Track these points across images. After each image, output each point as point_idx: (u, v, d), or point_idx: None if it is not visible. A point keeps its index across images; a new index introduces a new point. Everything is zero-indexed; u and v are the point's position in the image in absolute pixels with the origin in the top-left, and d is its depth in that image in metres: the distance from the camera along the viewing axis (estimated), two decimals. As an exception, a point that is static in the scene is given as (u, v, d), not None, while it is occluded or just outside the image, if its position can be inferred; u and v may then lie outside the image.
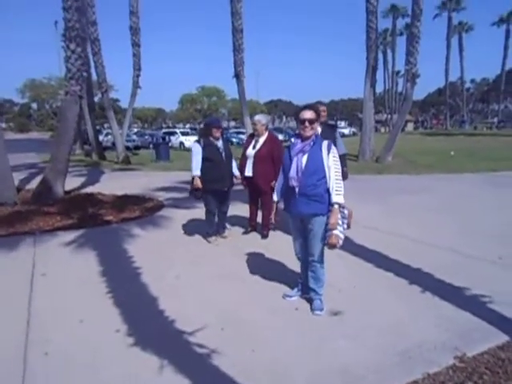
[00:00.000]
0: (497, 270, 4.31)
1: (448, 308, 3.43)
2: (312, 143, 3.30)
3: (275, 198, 3.65)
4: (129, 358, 2.80)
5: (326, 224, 3.24)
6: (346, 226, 3.28)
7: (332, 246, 3.25)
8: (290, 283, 3.93)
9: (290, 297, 3.69)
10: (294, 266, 4.14)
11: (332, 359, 2.76)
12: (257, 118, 5.37)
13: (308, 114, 3.27)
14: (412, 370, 2.59)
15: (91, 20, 16.60)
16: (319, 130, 4.85)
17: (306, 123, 3.26)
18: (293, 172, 3.29)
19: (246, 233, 5.83)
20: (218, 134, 5.24)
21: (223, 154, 5.25)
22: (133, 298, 3.74)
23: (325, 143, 3.30)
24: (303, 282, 3.67)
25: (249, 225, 5.87)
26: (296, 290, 3.74)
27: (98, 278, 4.23)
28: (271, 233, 5.68)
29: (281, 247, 5.04)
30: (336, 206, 3.21)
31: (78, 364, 2.74)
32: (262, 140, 5.31)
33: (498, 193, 8.73)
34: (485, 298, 3.57)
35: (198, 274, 4.37)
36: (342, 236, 3.24)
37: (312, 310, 3.46)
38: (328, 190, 3.26)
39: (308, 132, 3.28)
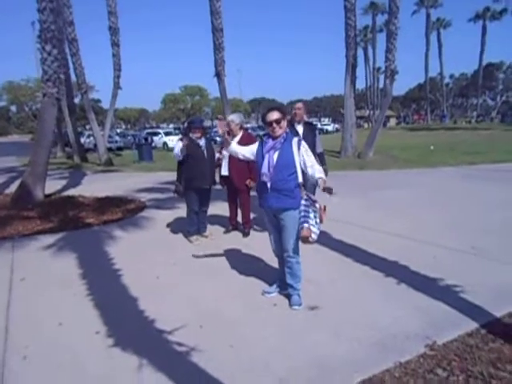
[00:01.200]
0: (472, 261, 4.44)
1: (422, 299, 3.54)
2: (282, 140, 3.39)
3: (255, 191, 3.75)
4: (108, 359, 2.82)
5: (299, 218, 3.31)
6: (318, 221, 3.34)
7: (305, 239, 3.29)
8: (269, 280, 3.99)
9: (269, 293, 3.75)
10: (274, 262, 4.20)
11: (309, 353, 2.82)
12: (230, 117, 5.43)
13: (274, 116, 3.37)
14: (385, 360, 2.67)
15: (68, 20, 16.36)
16: (300, 129, 4.94)
17: (274, 124, 3.36)
18: (264, 168, 3.38)
19: (227, 232, 5.88)
20: (197, 133, 5.28)
21: (205, 152, 5.29)
22: (113, 300, 3.75)
23: (295, 140, 3.40)
24: (281, 278, 3.73)
25: (229, 224, 5.91)
26: (275, 286, 3.80)
27: (77, 280, 4.23)
28: (252, 231, 5.74)
29: (261, 245, 5.10)
30: (324, 178, 3.27)
31: (57, 366, 2.76)
32: (236, 139, 5.34)
33: (476, 186, 8.95)
34: (457, 288, 3.69)
35: (178, 273, 4.40)
36: (315, 230, 3.29)
37: (290, 305, 3.53)
38: (299, 185, 3.35)
39: (277, 132, 3.38)
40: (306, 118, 5.13)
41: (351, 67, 15.43)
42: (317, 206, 3.35)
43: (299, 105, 4.97)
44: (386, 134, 29.72)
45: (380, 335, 2.99)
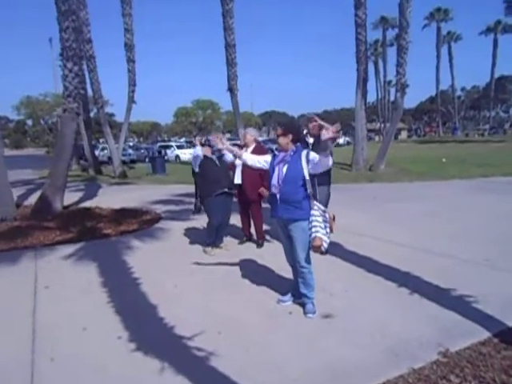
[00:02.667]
0: (483, 271, 4.50)
1: (434, 308, 3.61)
2: (292, 153, 3.55)
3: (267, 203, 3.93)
4: (131, 362, 2.95)
5: (309, 229, 3.43)
6: (328, 230, 3.45)
7: (316, 249, 3.40)
8: (283, 289, 4.09)
9: (284, 302, 3.85)
10: (288, 272, 4.31)
11: (323, 358, 2.91)
12: (247, 129, 5.85)
13: (278, 131, 3.63)
14: (398, 366, 2.75)
15: (86, 38, 16.93)
16: (311, 141, 5.09)
17: (279, 138, 3.62)
18: (274, 180, 3.56)
19: (241, 243, 6.00)
20: (207, 152, 5.56)
21: (217, 162, 5.48)
22: (133, 306, 3.89)
23: (304, 152, 3.53)
24: (295, 287, 3.84)
25: (244, 234, 6.04)
26: (289, 295, 3.90)
27: (99, 288, 4.39)
28: (266, 241, 5.86)
29: (275, 255, 5.20)
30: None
31: (83, 368, 2.90)
32: (250, 150, 5.54)
33: (487, 199, 8.95)
34: (470, 298, 3.75)
35: (195, 282, 4.53)
36: (326, 239, 3.40)
37: (305, 313, 3.62)
38: (308, 197, 3.47)
39: (283, 146, 3.59)
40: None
41: (362, 81, 15.61)
42: (327, 215, 3.47)
43: (315, 118, 5.11)
44: (397, 146, 29.71)
45: (393, 342, 3.06)
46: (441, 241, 5.69)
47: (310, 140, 5.10)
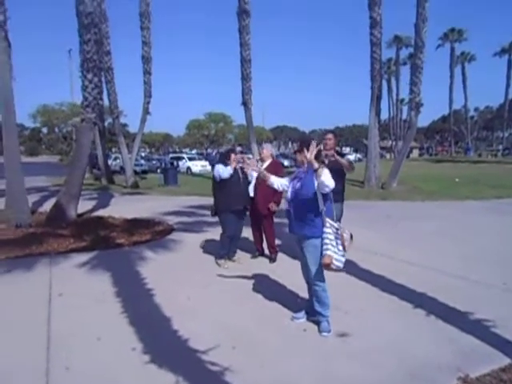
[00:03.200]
0: (501, 295, 4.42)
1: (452, 331, 3.54)
2: (307, 169, 3.56)
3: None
4: (146, 375, 2.94)
5: (321, 246, 3.42)
6: (341, 247, 3.40)
7: (326, 266, 3.39)
8: (296, 305, 4.06)
9: (298, 319, 3.82)
10: (302, 288, 4.29)
11: (338, 378, 2.88)
12: (264, 145, 5.97)
13: (295, 146, 3.78)
14: (416, 389, 2.70)
15: (106, 50, 17.31)
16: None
17: (295, 154, 3.74)
18: (288, 196, 3.65)
19: (254, 257, 5.99)
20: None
21: (240, 175, 5.50)
22: (146, 318, 3.89)
23: None
24: (309, 305, 3.81)
25: (256, 249, 6.03)
26: (303, 312, 3.87)
27: (112, 297, 4.40)
28: (279, 256, 5.84)
29: (288, 270, 5.20)
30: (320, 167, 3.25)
31: (97, 378, 2.90)
32: (266, 164, 5.60)
33: (501, 220, 8.84)
34: (488, 322, 3.68)
35: (208, 295, 4.52)
36: (338, 258, 3.37)
37: (319, 331, 3.59)
38: (320, 214, 3.44)
39: (298, 161, 3.70)
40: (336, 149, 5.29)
41: (376, 99, 15.66)
42: (339, 233, 3.44)
43: (329, 136, 5.13)
44: (409, 164, 29.53)
45: (410, 364, 3.01)
46: (455, 261, 5.62)
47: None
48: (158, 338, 3.50)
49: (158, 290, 4.59)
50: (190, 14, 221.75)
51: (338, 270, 3.44)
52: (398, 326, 3.67)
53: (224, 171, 5.34)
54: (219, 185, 5.46)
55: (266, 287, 4.73)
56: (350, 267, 4.26)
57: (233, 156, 5.46)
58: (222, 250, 5.63)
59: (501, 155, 50.48)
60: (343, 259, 3.43)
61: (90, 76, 8.60)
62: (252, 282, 4.92)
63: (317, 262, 3.50)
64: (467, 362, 3.02)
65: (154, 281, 4.91)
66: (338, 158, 4.87)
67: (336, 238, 3.42)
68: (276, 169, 5.68)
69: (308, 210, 3.48)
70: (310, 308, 3.79)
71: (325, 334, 3.55)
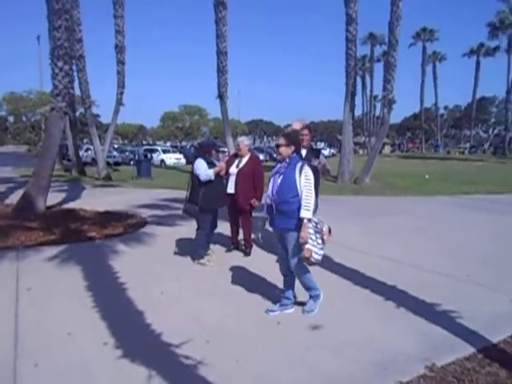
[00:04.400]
0: (465, 287, 4.59)
1: (420, 322, 3.66)
2: (286, 165, 3.64)
3: (264, 214, 3.92)
4: (117, 370, 2.89)
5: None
6: (320, 241, 3.53)
7: (305, 259, 3.51)
8: (272, 298, 4.10)
9: (273, 311, 3.85)
10: (277, 281, 4.33)
11: (312, 369, 2.92)
12: (240, 139, 5.76)
13: (279, 140, 3.71)
14: (386, 379, 2.78)
15: (77, 38, 16.75)
16: (304, 152, 5.13)
17: (277, 148, 3.74)
18: (269, 191, 3.69)
19: (228, 251, 5.98)
20: (214, 155, 5.57)
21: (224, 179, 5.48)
22: (119, 312, 3.83)
23: (298, 165, 3.61)
24: (284, 296, 3.87)
25: (231, 243, 6.02)
26: (278, 305, 3.91)
27: (84, 292, 4.30)
28: (253, 250, 5.85)
29: (263, 264, 5.24)
30: (305, 221, 3.49)
31: (67, 374, 2.83)
32: (244, 160, 5.56)
33: (468, 215, 9.18)
34: (454, 313, 3.82)
35: (182, 289, 4.49)
36: (317, 251, 3.50)
37: (305, 310, 3.83)
38: (301, 207, 3.54)
39: (278, 155, 3.75)
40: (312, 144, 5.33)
41: (350, 95, 15.87)
42: (318, 227, 3.55)
43: (305, 131, 5.15)
44: (381, 160, 30.11)
45: (381, 356, 3.09)
46: (427, 256, 5.79)
47: (303, 152, 5.14)
48: (131, 332, 3.45)
49: (131, 284, 4.52)
50: (166, 5, 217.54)
51: (316, 263, 3.56)
52: (369, 319, 3.76)
53: (211, 175, 5.12)
54: (203, 184, 5.18)
55: (241, 280, 4.74)
56: (323, 261, 4.29)
57: (214, 154, 5.43)
58: (201, 249, 5.45)
59: (468, 153, 52.26)
60: (322, 252, 3.55)
61: (60, 64, 8.32)
62: (226, 275, 4.92)
63: (295, 253, 3.61)
64: (435, 352, 3.12)
65: (126, 274, 4.84)
66: (318, 165, 5.02)
67: (315, 232, 3.52)
68: (256, 164, 5.68)
69: (290, 204, 3.55)
70: (285, 299, 3.87)
71: (306, 313, 3.78)
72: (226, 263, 5.35)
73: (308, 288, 3.84)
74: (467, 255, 5.82)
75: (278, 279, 4.61)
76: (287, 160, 3.66)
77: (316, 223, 3.56)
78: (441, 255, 5.84)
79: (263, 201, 4.00)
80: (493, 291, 4.43)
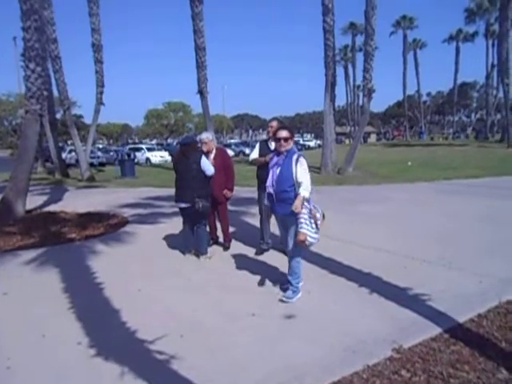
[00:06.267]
0: (438, 270, 4.70)
1: (391, 307, 3.75)
2: (284, 157, 3.91)
3: (266, 202, 4.20)
4: (90, 368, 2.92)
5: (297, 224, 3.77)
6: (314, 226, 3.78)
7: (300, 243, 3.76)
8: (249, 291, 4.15)
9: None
10: (255, 275, 4.39)
11: (284, 358, 2.98)
12: (205, 135, 5.58)
13: (283, 134, 3.89)
14: (354, 363, 2.86)
15: (51, 38, 16.44)
16: (273, 145, 5.16)
17: (282, 141, 3.89)
18: (269, 182, 3.97)
19: (208, 245, 6.00)
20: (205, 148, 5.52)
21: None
22: (95, 312, 3.84)
23: (294, 156, 3.86)
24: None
25: (210, 237, 6.05)
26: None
27: (60, 294, 4.30)
28: (233, 244, 5.89)
29: (241, 257, 5.30)
30: (300, 196, 3.72)
31: (41, 376, 2.85)
32: (212, 154, 5.57)
33: (448, 200, 9.33)
34: (425, 296, 3.92)
35: (159, 286, 4.51)
36: (312, 235, 3.75)
37: (283, 296, 4.00)
38: (297, 195, 3.80)
39: (283, 148, 3.91)
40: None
41: (330, 85, 15.92)
42: (312, 213, 3.80)
43: (273, 123, 5.13)
44: (366, 149, 30.43)
45: (351, 341, 3.17)
46: (403, 241, 5.91)
47: (272, 144, 5.17)
48: (105, 331, 3.47)
49: (109, 284, 4.53)
50: (144, 4, 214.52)
51: (310, 245, 3.84)
52: (342, 306, 3.83)
53: (213, 170, 5.24)
54: (208, 179, 5.24)
55: (218, 275, 4.79)
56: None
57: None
58: (205, 244, 5.43)
59: (451, 138, 52.92)
60: (317, 236, 3.82)
61: (32, 65, 8.19)
62: (204, 270, 4.96)
63: (295, 236, 3.86)
64: (403, 335, 3.21)
65: (104, 274, 4.84)
66: None
67: (310, 218, 3.78)
68: (225, 157, 5.71)
69: (288, 192, 3.84)
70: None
71: (285, 299, 3.95)
72: (204, 258, 5.38)
73: (294, 273, 4.02)
74: (442, 239, 5.93)
75: (256, 273, 4.70)
76: (285, 153, 3.90)
77: (310, 209, 3.80)
78: (416, 240, 5.95)
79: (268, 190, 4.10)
80: (464, 273, 4.54)
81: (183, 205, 5.22)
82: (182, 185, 5.23)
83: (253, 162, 5.45)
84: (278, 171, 3.90)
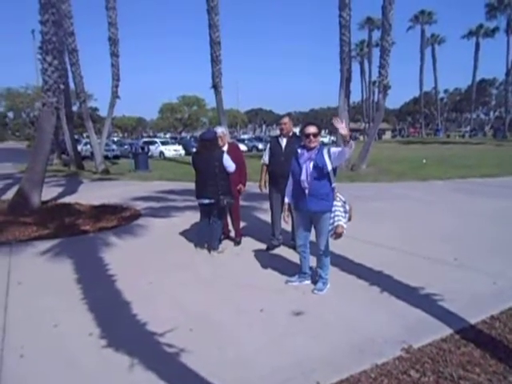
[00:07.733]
0: (451, 270, 4.64)
1: (401, 306, 3.71)
2: (317, 151, 3.95)
3: (286, 200, 4.27)
4: (101, 359, 2.97)
5: (331, 218, 3.91)
6: (347, 220, 3.94)
7: (338, 236, 3.89)
8: (259, 286, 4.16)
9: (292, 282, 4.29)
10: (264, 270, 4.41)
11: (292, 354, 2.99)
12: (220, 130, 5.61)
13: (312, 129, 3.93)
14: (362, 362, 2.84)
15: (69, 31, 16.63)
16: (284, 141, 5.16)
17: (311, 137, 3.92)
18: (303, 176, 3.95)
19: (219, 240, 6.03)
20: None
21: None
22: (106, 304, 3.90)
23: (325, 150, 3.91)
24: (303, 271, 4.31)
25: (222, 232, 6.06)
26: (297, 276, 4.30)
27: (73, 285, 4.37)
28: (244, 239, 5.91)
29: (252, 253, 5.31)
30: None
31: (52, 365, 2.91)
32: (225, 149, 5.57)
33: (463, 199, 9.18)
34: (436, 296, 3.87)
35: (170, 279, 4.55)
36: (345, 226, 3.90)
37: (315, 289, 4.10)
38: (333, 189, 3.95)
39: (313, 143, 3.94)
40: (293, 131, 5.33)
41: (345, 81, 15.76)
42: (347, 206, 3.92)
43: (285, 120, 5.16)
44: (380, 146, 30.10)
45: (360, 339, 3.15)
46: (415, 240, 5.83)
47: (283, 141, 5.16)
48: (116, 322, 3.53)
49: (120, 276, 4.59)
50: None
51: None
52: (352, 304, 3.81)
53: (235, 166, 5.29)
54: (227, 176, 5.27)
55: (229, 270, 4.81)
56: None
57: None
58: (217, 239, 5.50)
59: (468, 136, 51.98)
60: (345, 226, 3.92)
61: (49, 58, 8.30)
62: (215, 265, 4.99)
63: (327, 232, 3.97)
64: (413, 335, 3.18)
65: (116, 267, 4.91)
66: None
67: (344, 212, 3.93)
68: (237, 153, 5.71)
69: (323, 187, 3.89)
70: (302, 273, 4.34)
71: (316, 291, 4.05)
72: (216, 253, 5.41)
73: (324, 266, 4.11)
74: (455, 239, 5.85)
75: (267, 267, 4.71)
76: (318, 147, 3.95)
77: (344, 202, 3.95)
78: (428, 239, 5.87)
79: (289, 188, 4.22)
80: (478, 274, 4.46)
81: (206, 201, 5.24)
82: (204, 181, 5.22)
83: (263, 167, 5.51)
84: (311, 165, 3.91)
